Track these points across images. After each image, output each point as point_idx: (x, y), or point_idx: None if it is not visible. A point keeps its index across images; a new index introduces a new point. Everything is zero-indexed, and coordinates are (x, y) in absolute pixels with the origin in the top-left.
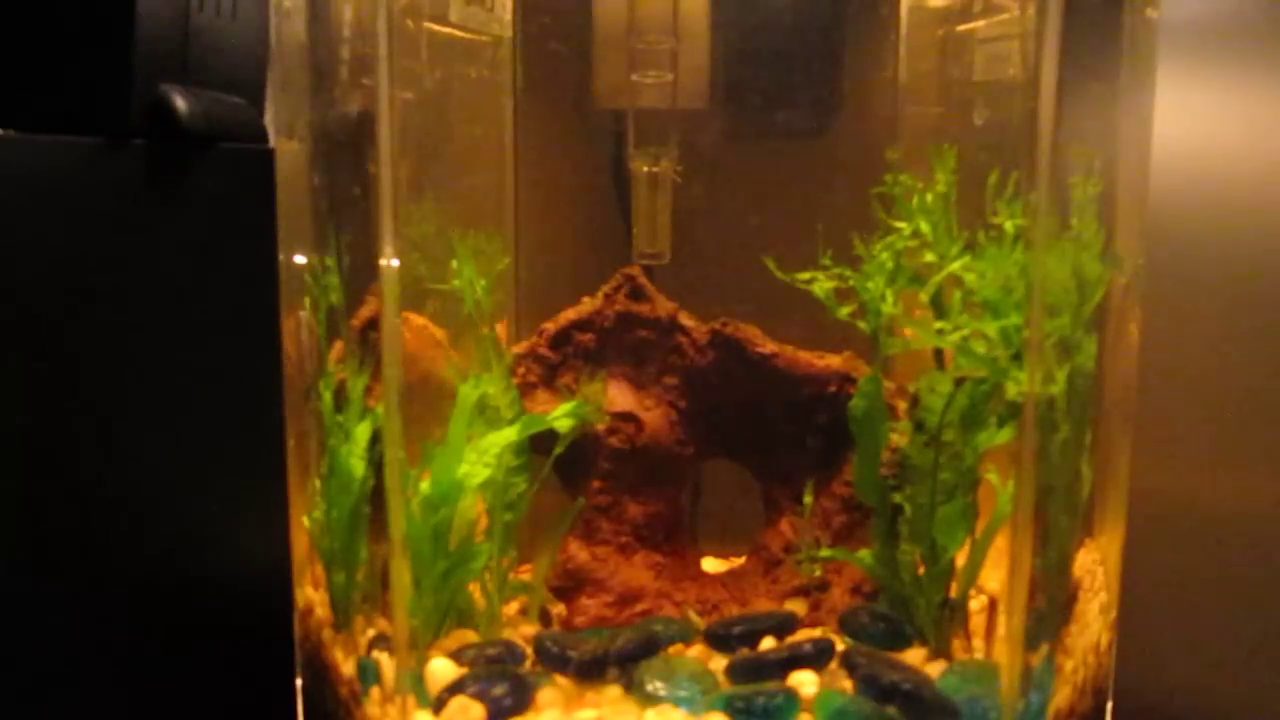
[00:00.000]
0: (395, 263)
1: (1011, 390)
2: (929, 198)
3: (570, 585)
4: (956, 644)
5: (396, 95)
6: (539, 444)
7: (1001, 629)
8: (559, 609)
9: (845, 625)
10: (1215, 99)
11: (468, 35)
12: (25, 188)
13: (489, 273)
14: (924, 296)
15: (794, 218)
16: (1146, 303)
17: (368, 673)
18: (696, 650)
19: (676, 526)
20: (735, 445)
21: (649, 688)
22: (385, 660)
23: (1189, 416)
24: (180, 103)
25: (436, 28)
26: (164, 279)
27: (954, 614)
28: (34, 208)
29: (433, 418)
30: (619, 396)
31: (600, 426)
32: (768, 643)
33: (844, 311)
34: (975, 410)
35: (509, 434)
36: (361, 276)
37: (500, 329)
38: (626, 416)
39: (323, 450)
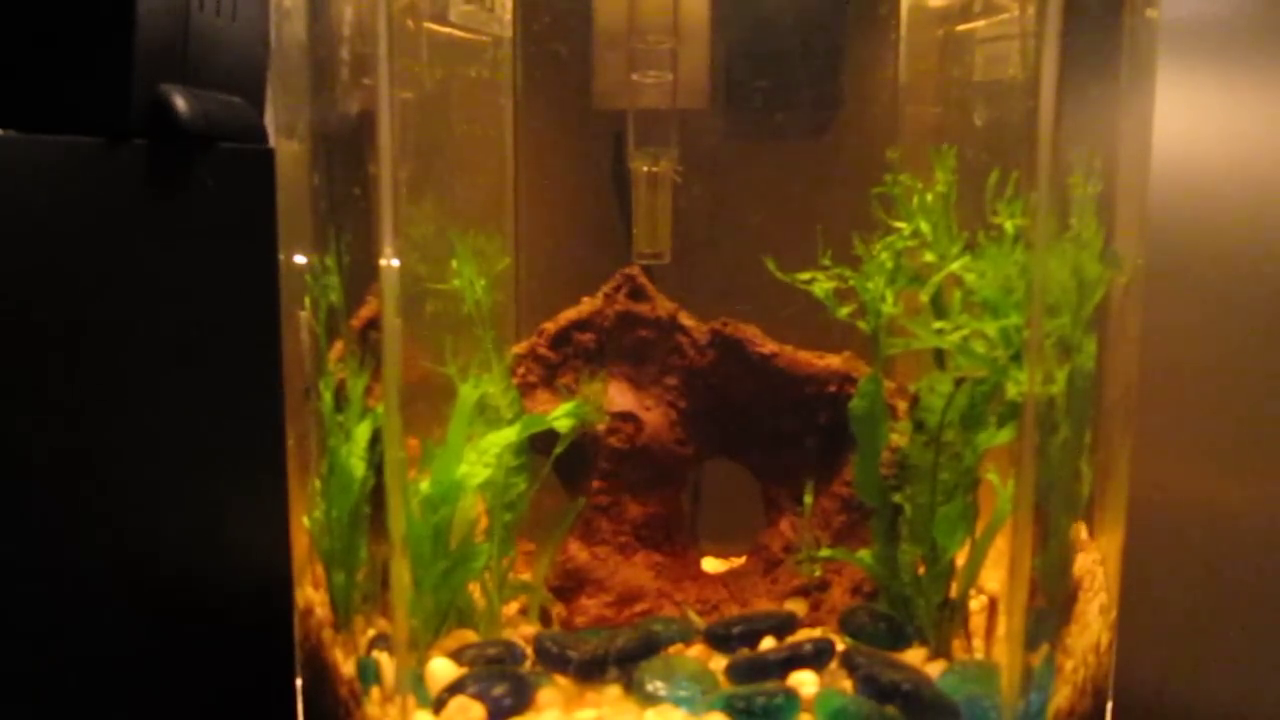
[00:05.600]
0: (395, 263)
1: (1011, 390)
2: (929, 198)
3: (570, 585)
4: (956, 644)
5: (396, 95)
6: (539, 444)
7: (1001, 629)
8: (559, 609)
9: (845, 625)
10: (1216, 99)
11: (468, 35)
12: (25, 188)
13: (489, 273)
14: (924, 296)
15: (794, 218)
16: (1146, 303)
17: (368, 673)
18: (696, 650)
19: (676, 526)
20: (735, 445)
21: (649, 688)
22: (385, 660)
23: (1189, 416)
24: (180, 103)
25: (436, 28)
26: (164, 279)
27: (954, 614)
28: (34, 208)
29: (433, 417)
30: (619, 396)
31: (600, 426)
32: (768, 643)
33: (844, 311)
34: (975, 410)
35: (509, 434)
36: (361, 276)
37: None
38: (626, 416)
39: (323, 450)
